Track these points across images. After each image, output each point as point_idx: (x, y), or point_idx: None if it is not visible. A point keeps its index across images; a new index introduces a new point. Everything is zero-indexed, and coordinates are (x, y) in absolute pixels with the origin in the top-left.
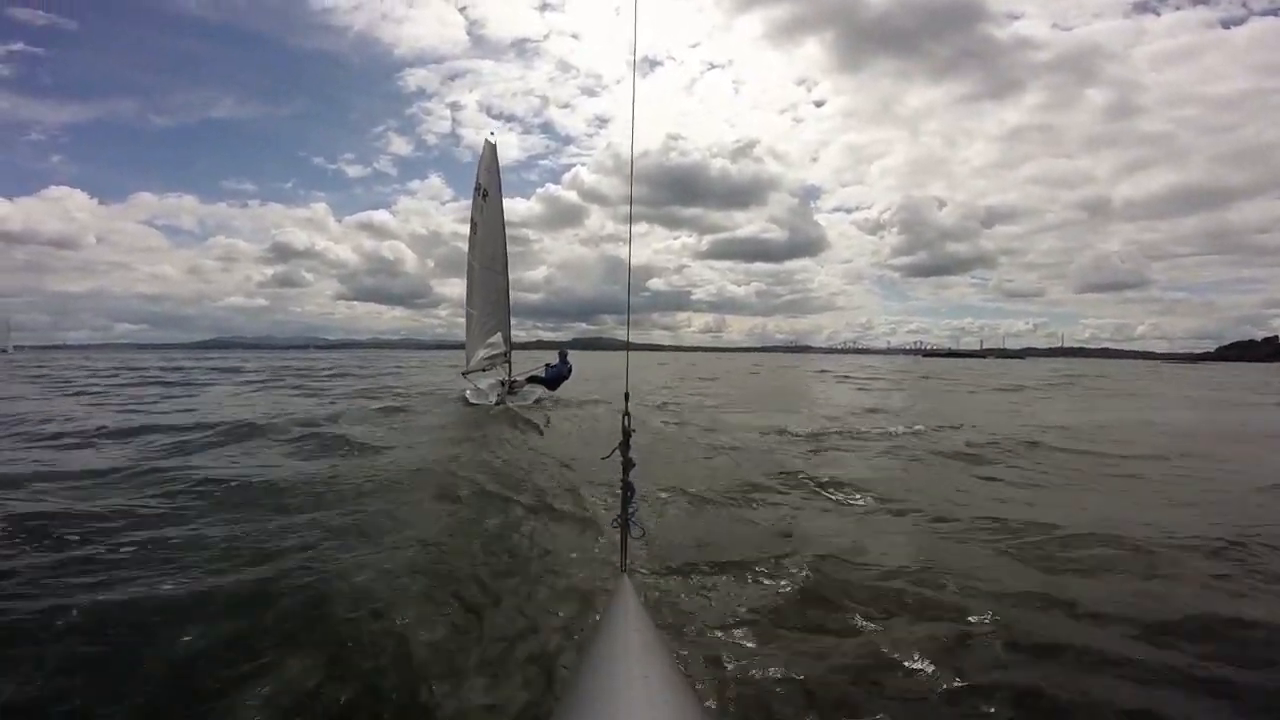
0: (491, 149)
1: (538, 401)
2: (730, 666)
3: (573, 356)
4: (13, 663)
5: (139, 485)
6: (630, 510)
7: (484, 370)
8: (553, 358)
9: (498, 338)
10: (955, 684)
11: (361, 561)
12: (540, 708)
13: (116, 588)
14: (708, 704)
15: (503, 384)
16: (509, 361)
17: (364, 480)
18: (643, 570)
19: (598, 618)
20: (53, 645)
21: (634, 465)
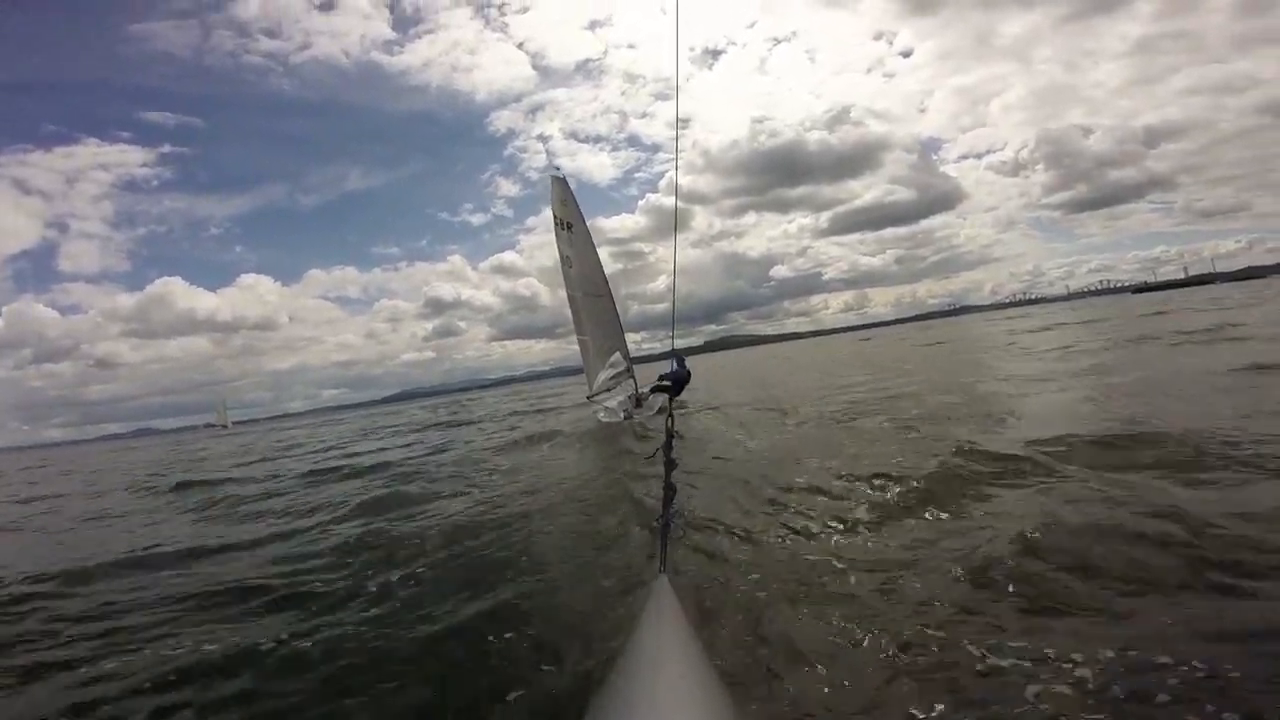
0: (561, 183)
1: (661, 410)
2: (768, 670)
3: (703, 360)
4: None
5: None
6: (671, 511)
7: (609, 390)
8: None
9: (617, 356)
10: None
11: None
12: (577, 706)
13: None
14: (748, 707)
15: (631, 398)
16: (633, 376)
17: None
18: (682, 571)
19: (637, 618)
20: None
21: (676, 466)
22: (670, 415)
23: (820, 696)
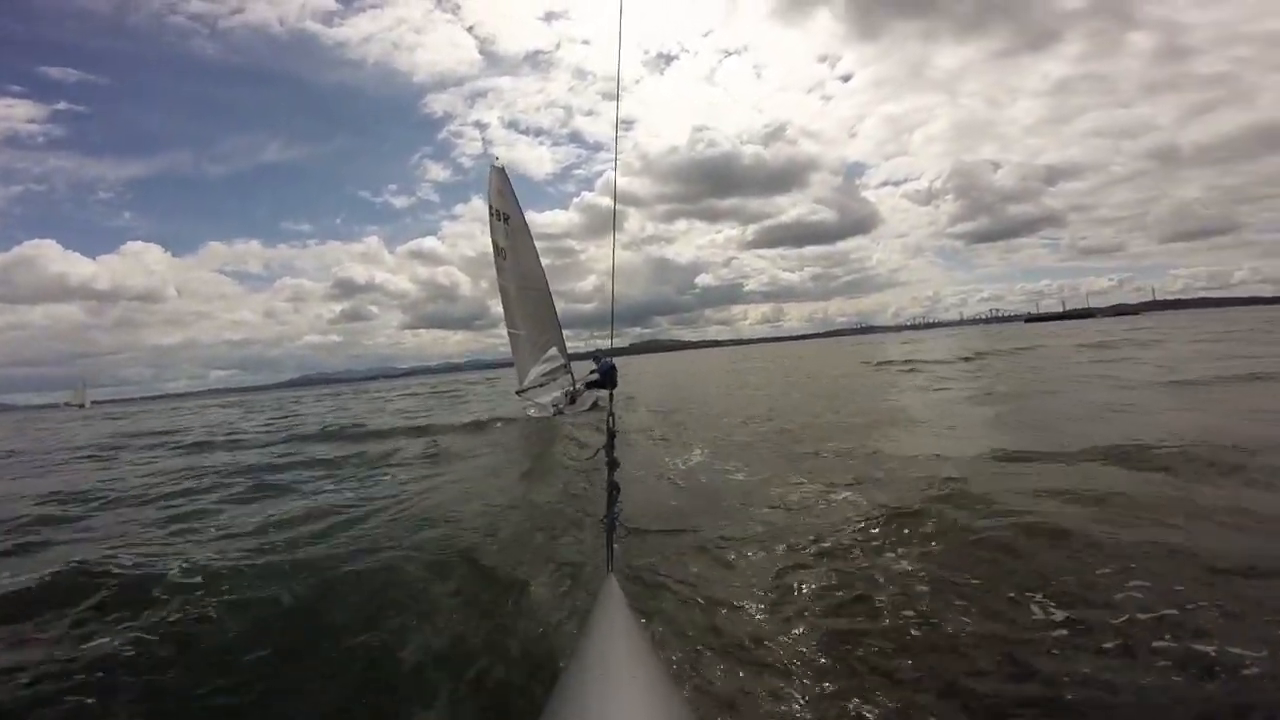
0: (499, 173)
1: (594, 406)
2: (717, 667)
3: (630, 361)
4: None
5: None
6: (615, 510)
7: (542, 385)
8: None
9: (554, 351)
10: None
11: None
12: (530, 709)
13: None
14: (703, 705)
15: (566, 393)
16: (569, 371)
17: None
18: (628, 569)
19: (586, 619)
20: None
21: (619, 465)
22: (611, 414)
23: (773, 693)
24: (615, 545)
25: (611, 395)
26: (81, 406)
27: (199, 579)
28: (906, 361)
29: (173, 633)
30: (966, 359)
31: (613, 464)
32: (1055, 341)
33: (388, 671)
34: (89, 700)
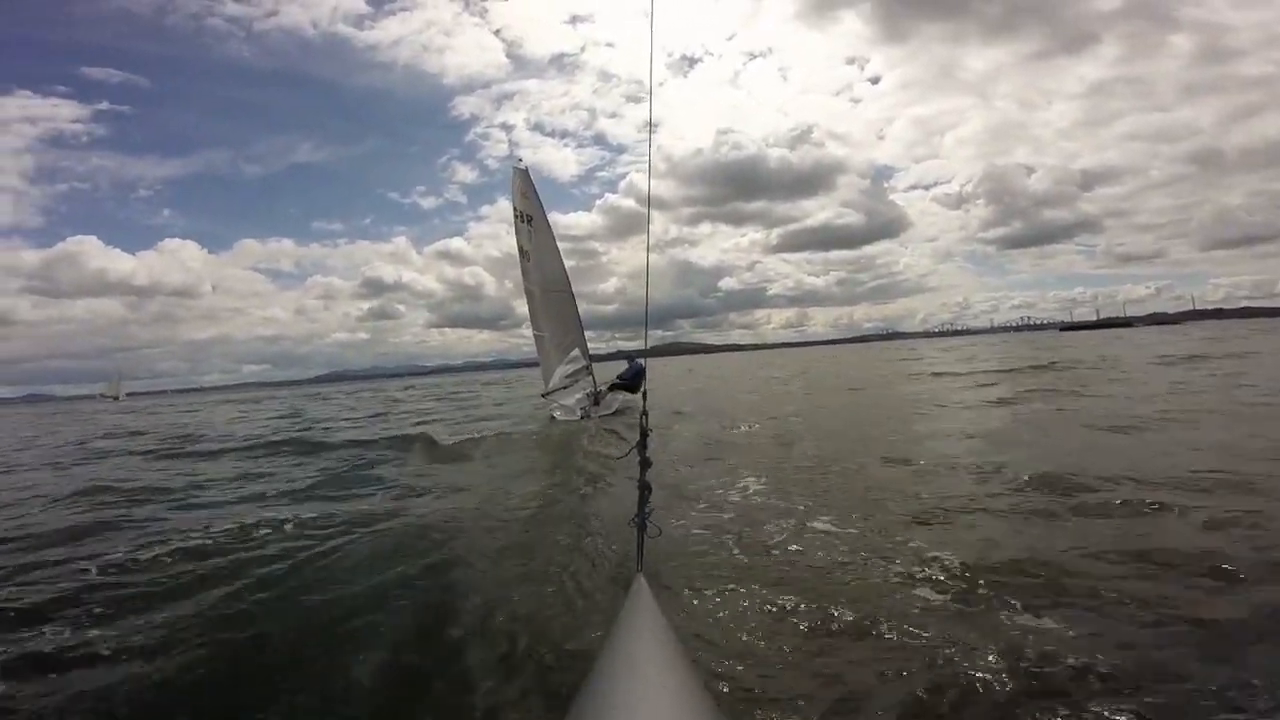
0: (523, 175)
1: (618, 411)
2: (749, 671)
3: (652, 365)
4: None
5: None
6: (646, 510)
7: (566, 387)
8: (623, 367)
9: (577, 353)
10: None
11: None
12: (557, 709)
13: None
14: (727, 706)
15: (589, 395)
16: (591, 374)
17: None
18: (660, 569)
19: (615, 619)
20: None
21: (650, 465)
22: (644, 413)
23: (806, 697)
24: (645, 545)
25: (645, 394)
26: (116, 399)
27: None
28: (970, 373)
29: None
30: (1039, 368)
31: (645, 463)
32: (1124, 353)
33: (418, 665)
34: None
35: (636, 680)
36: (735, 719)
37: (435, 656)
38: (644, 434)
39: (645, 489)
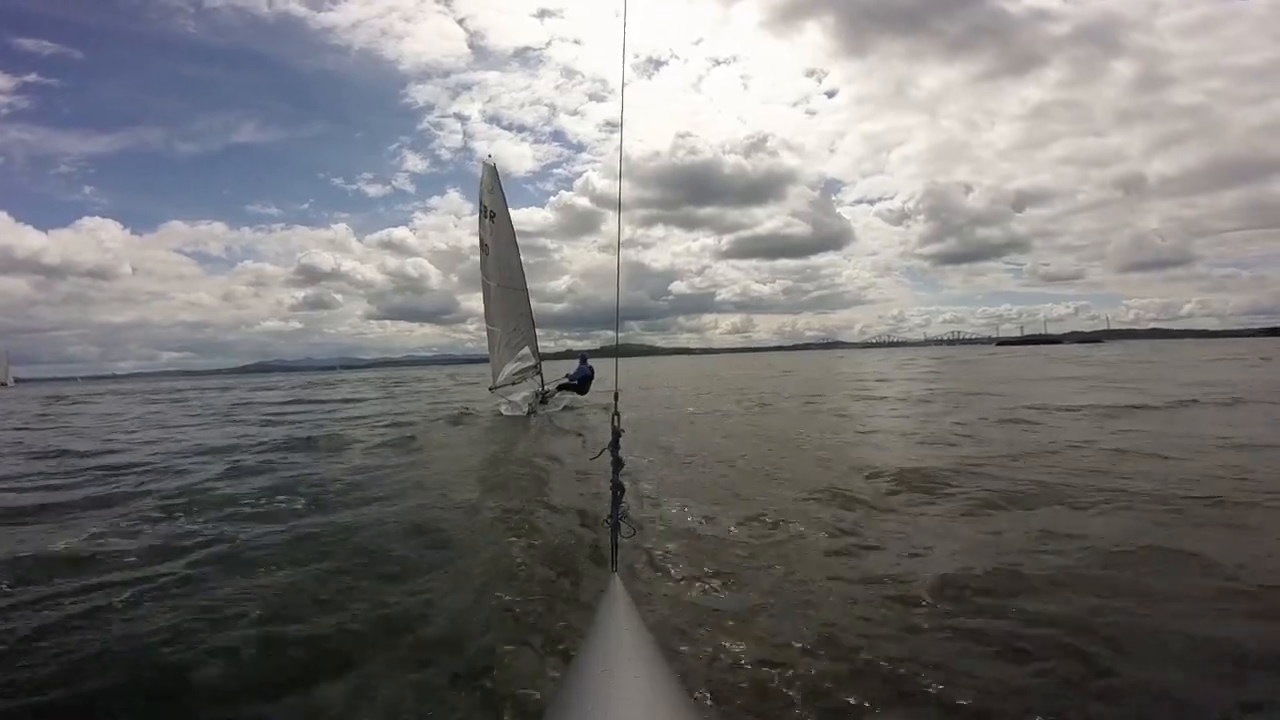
0: (491, 170)
1: (566, 408)
2: (723, 665)
3: (599, 364)
4: None
5: None
6: (620, 510)
7: (514, 384)
8: (574, 366)
9: (526, 351)
10: None
11: None
12: (534, 707)
13: None
14: (703, 705)
15: (537, 394)
16: (540, 373)
17: None
18: (633, 568)
19: (591, 619)
20: None
21: (624, 465)
22: (616, 413)
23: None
24: (619, 544)
25: (616, 395)
26: (4, 385)
27: None
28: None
29: None
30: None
31: (618, 463)
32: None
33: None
34: None
35: (613, 679)
36: (710, 715)
37: (405, 664)
38: (616, 434)
39: (618, 489)
